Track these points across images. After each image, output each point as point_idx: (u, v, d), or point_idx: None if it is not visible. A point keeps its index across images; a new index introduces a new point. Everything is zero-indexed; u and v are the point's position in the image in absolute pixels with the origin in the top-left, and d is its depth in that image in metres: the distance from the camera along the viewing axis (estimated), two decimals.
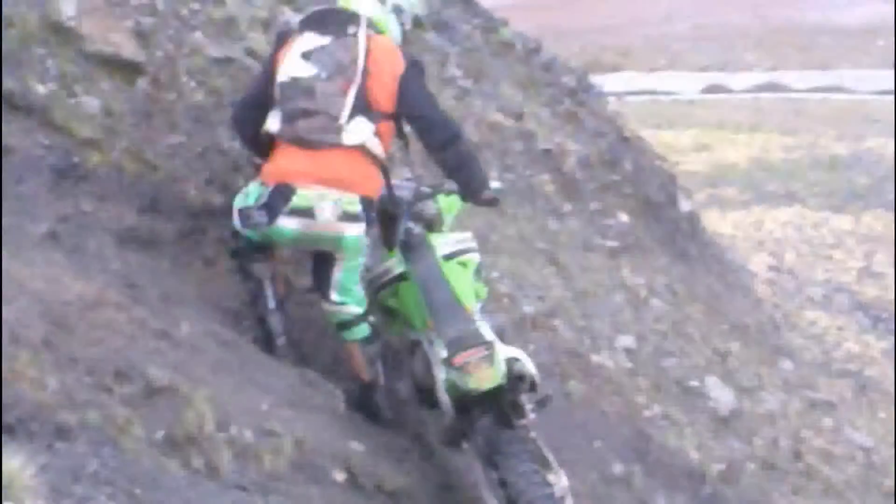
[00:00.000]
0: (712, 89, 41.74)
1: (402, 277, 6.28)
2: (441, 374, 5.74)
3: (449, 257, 6.20)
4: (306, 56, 5.88)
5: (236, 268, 6.41)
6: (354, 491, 5.34)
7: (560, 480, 5.69)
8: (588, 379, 8.56)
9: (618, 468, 7.57)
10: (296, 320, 6.72)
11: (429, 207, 6.46)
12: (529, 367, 5.76)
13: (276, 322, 6.39)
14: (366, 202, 5.89)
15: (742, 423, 10.40)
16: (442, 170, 6.22)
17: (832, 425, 12.67)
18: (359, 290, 6.16)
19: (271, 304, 6.36)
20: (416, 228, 6.36)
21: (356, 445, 5.58)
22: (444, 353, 5.59)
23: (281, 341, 6.41)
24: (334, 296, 6.08)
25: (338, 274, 6.03)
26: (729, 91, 42.49)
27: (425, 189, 6.53)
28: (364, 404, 6.43)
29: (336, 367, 6.74)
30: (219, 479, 4.56)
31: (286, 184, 5.78)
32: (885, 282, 22.97)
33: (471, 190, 6.21)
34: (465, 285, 6.09)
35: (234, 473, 4.65)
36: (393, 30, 6.32)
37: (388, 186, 6.27)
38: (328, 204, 5.77)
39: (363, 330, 6.25)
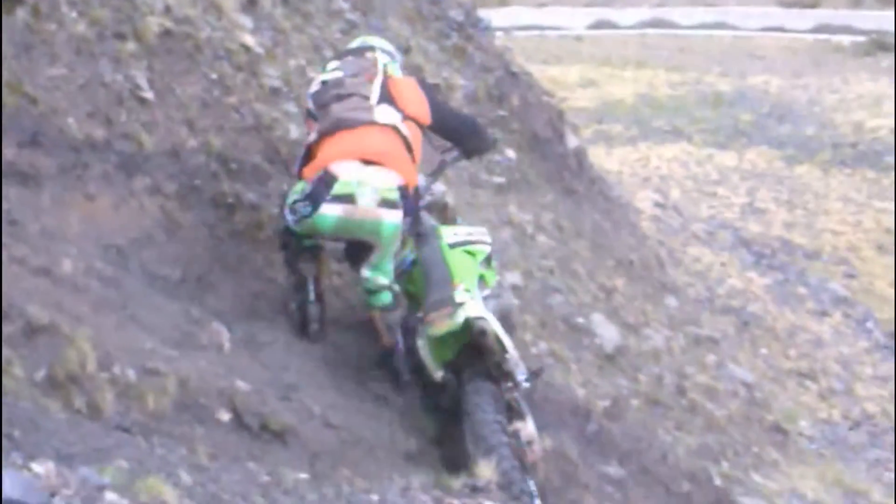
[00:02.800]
0: (599, 25, 41.98)
1: (415, 263, 6.94)
2: (421, 339, 6.36)
3: (455, 245, 6.89)
4: (332, 67, 6.89)
5: (283, 262, 6.96)
6: (240, 430, 5.32)
7: (526, 426, 6.39)
8: None
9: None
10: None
11: (438, 192, 7.40)
12: (493, 326, 6.31)
13: (313, 312, 6.91)
14: (403, 190, 6.40)
15: (627, 359, 10.55)
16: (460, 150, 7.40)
17: (715, 361, 12.93)
18: (389, 267, 6.64)
19: (311, 297, 6.90)
20: (430, 220, 7.14)
21: (241, 384, 5.55)
22: (421, 314, 6.37)
23: (314, 328, 6.91)
24: (366, 272, 6.57)
25: (374, 257, 6.52)
26: (616, 27, 42.81)
27: (430, 178, 7.44)
28: (384, 366, 6.89)
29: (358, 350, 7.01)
30: (101, 419, 4.52)
31: (328, 172, 6.31)
32: (768, 218, 23.41)
33: (479, 153, 7.70)
34: (464, 268, 6.77)
35: (117, 414, 4.61)
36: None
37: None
38: (368, 190, 6.26)
39: (385, 297, 6.72)
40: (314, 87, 6.87)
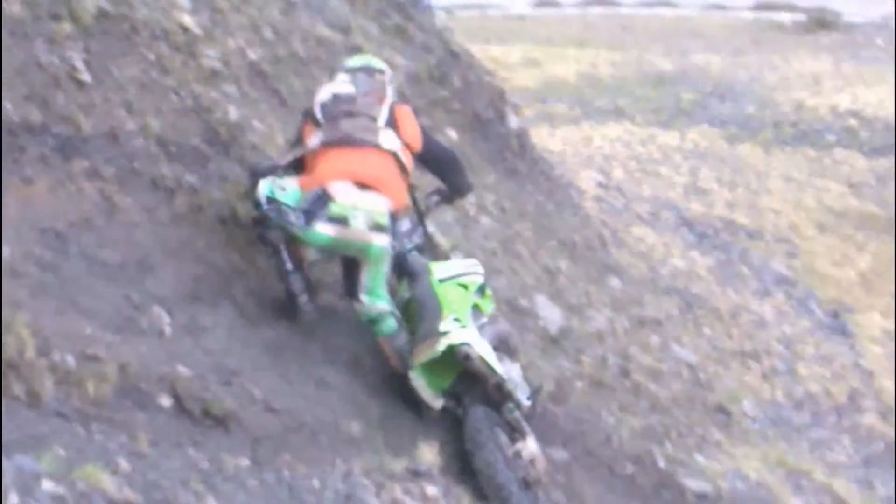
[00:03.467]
0: (542, 4, 42.04)
1: (409, 302, 7.36)
2: (412, 371, 6.87)
3: (446, 280, 7.27)
4: (343, 80, 7.26)
5: (255, 235, 7.17)
6: (181, 416, 5.31)
7: (527, 446, 6.84)
8: None
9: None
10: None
11: (419, 235, 7.73)
12: (478, 350, 6.76)
13: (295, 282, 7.07)
14: (393, 214, 6.91)
15: (570, 341, 10.60)
16: (444, 184, 7.78)
17: (659, 342, 13.02)
18: (384, 292, 7.07)
19: (288, 265, 7.06)
20: (421, 259, 7.56)
21: (183, 370, 5.54)
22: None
23: (303, 300, 7.08)
24: (363, 297, 7.01)
25: (365, 278, 6.97)
26: (558, 6, 42.86)
27: (417, 222, 7.84)
28: (402, 393, 7.07)
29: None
30: (40, 406, 4.49)
31: (326, 192, 6.75)
32: (710, 198, 23.58)
33: (460, 194, 7.99)
34: (455, 300, 7.13)
35: (56, 400, 4.58)
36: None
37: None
38: (361, 214, 6.71)
39: (390, 323, 7.12)
40: (324, 96, 7.19)
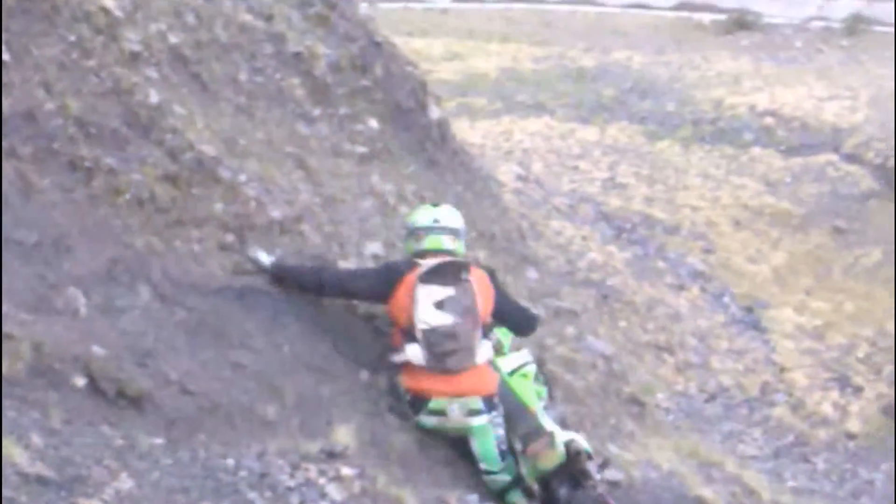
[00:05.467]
0: None
1: None
2: (522, 463, 7.71)
3: (512, 372, 8.06)
4: (439, 306, 7.45)
5: None
6: (95, 396, 5.30)
7: None
8: None
9: (365, 374, 7.69)
10: None
11: (492, 337, 7.99)
12: (582, 443, 7.82)
13: None
14: (487, 400, 7.56)
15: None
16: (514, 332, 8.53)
17: (574, 333, 13.12)
18: (499, 458, 7.70)
19: None
20: None
21: (98, 350, 5.52)
22: (519, 447, 7.65)
23: None
24: (482, 466, 7.71)
25: (475, 447, 7.67)
26: (481, 0, 42.88)
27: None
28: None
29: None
30: None
31: (423, 397, 7.51)
32: (629, 193, 23.80)
33: (528, 334, 8.90)
34: (527, 391, 8.01)
35: None
36: (462, 253, 8.12)
37: None
38: (456, 406, 7.48)
39: (516, 494, 7.82)
40: (425, 314, 7.46)
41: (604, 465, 8.28)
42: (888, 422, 18.61)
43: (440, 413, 7.52)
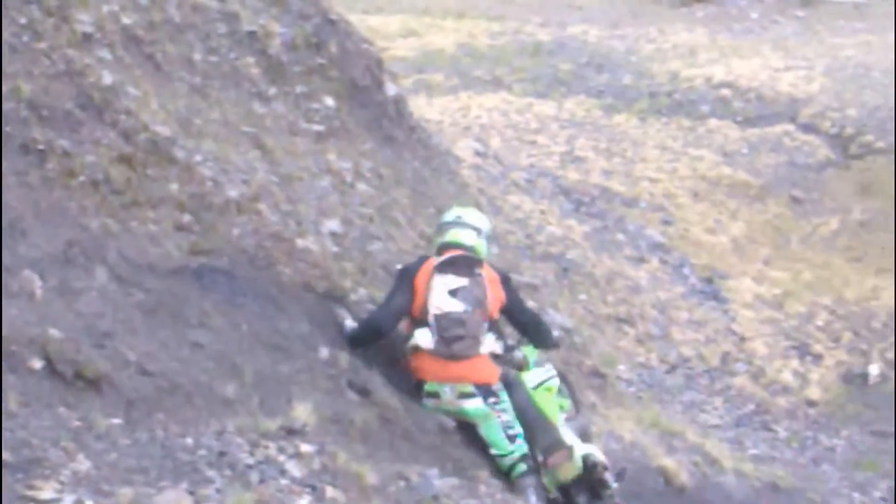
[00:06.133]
0: None
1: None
2: (542, 473, 8.14)
3: (536, 387, 8.49)
4: (453, 293, 8.04)
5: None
6: (52, 378, 5.28)
7: None
8: (294, 263, 8.61)
9: (324, 352, 7.68)
10: None
11: (517, 356, 8.71)
12: (600, 456, 8.39)
13: None
14: (480, 387, 8.08)
15: None
16: (529, 340, 8.90)
17: (535, 307, 13.15)
18: (507, 442, 8.10)
19: None
20: (512, 372, 8.49)
21: (54, 332, 5.51)
22: (540, 458, 8.09)
23: None
24: (492, 451, 8.11)
25: (482, 432, 8.14)
26: None
27: (511, 343, 8.81)
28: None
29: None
30: None
31: (421, 379, 8.15)
32: (587, 166, 23.85)
33: (545, 346, 9.17)
34: (549, 405, 8.48)
35: None
36: (484, 251, 8.63)
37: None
38: (448, 388, 8.08)
39: (520, 468, 8.13)
40: (439, 300, 8.05)
41: (621, 475, 8.65)
42: (848, 389, 18.78)
43: (434, 395, 8.09)
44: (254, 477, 5.11)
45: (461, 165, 18.27)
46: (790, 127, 27.76)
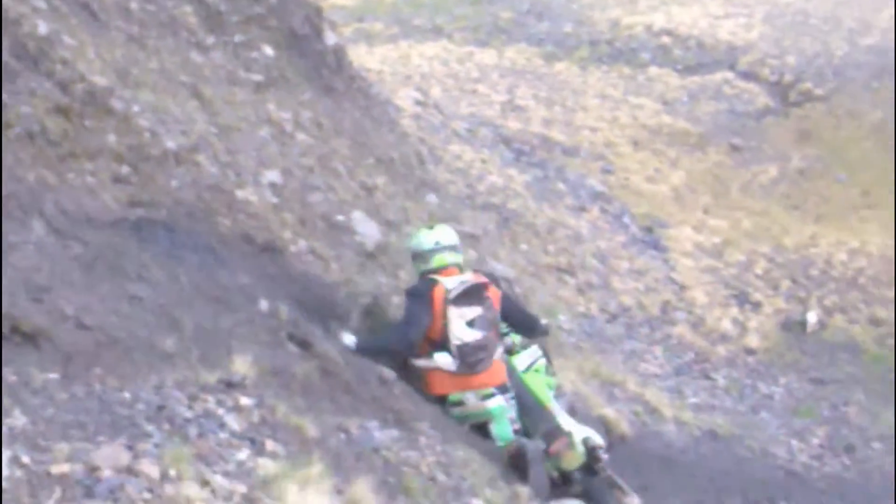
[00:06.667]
0: None
1: None
2: (547, 464, 8.34)
3: (526, 370, 9.08)
4: (471, 324, 8.61)
5: None
6: None
7: (634, 501, 8.67)
8: (233, 215, 8.58)
9: (264, 304, 7.66)
10: None
11: (507, 342, 9.16)
12: (597, 438, 8.65)
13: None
14: (498, 387, 8.66)
15: (388, 256, 10.68)
16: (522, 335, 9.42)
17: (476, 257, 13.21)
18: (512, 435, 8.62)
19: None
20: (504, 358, 8.95)
21: None
22: (542, 446, 8.27)
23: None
24: (499, 443, 8.54)
25: (494, 429, 8.65)
26: None
27: (503, 331, 9.16)
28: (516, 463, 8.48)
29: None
30: None
31: (443, 394, 8.61)
32: (527, 115, 23.86)
33: (535, 336, 9.57)
34: (541, 387, 9.03)
35: None
36: (461, 260, 9.19)
37: None
38: (471, 395, 8.61)
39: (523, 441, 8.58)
40: (460, 332, 8.60)
41: (609, 448, 9.10)
42: (786, 337, 19.01)
43: (459, 403, 8.63)
44: (192, 431, 5.10)
45: (401, 115, 18.23)
46: (730, 75, 27.95)
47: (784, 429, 15.69)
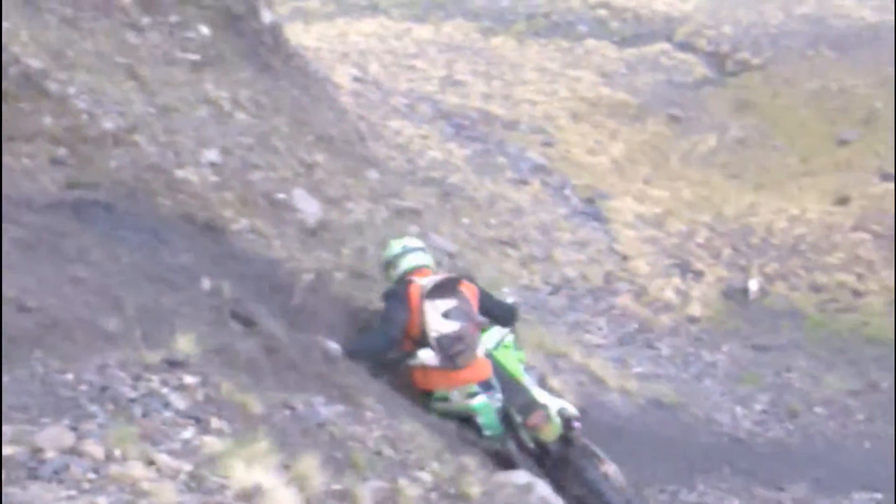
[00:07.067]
0: None
1: None
2: (521, 431, 8.87)
3: (496, 346, 9.16)
4: (446, 315, 8.83)
5: None
6: None
7: (610, 468, 8.94)
8: (173, 194, 8.56)
9: (206, 283, 7.65)
10: None
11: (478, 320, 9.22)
12: (571, 409, 9.00)
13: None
14: (482, 384, 8.81)
15: (330, 233, 10.68)
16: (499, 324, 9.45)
17: (418, 232, 13.21)
18: (500, 425, 8.90)
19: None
20: None
21: None
22: (519, 419, 8.78)
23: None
24: (486, 433, 8.83)
25: (480, 421, 8.81)
26: None
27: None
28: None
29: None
30: None
31: (428, 390, 8.85)
32: (466, 90, 23.88)
33: (513, 323, 9.62)
34: (511, 362, 9.14)
35: None
36: (431, 261, 9.59)
37: None
38: (456, 392, 8.77)
39: (508, 443, 9.04)
40: (436, 324, 8.80)
41: (582, 414, 9.38)
42: (728, 305, 19.19)
43: (444, 399, 8.81)
44: (137, 410, 5.08)
45: (340, 92, 18.21)
46: (667, 46, 28.11)
47: (728, 396, 15.86)
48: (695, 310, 18.68)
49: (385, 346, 8.81)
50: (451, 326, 8.82)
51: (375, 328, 9.11)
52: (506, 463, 8.73)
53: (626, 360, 16.11)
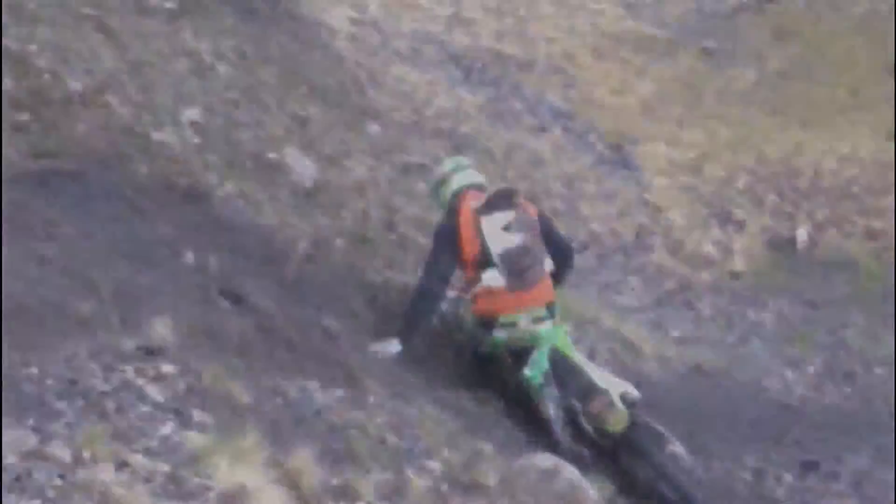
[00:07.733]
0: None
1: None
2: (583, 419, 8.89)
3: None
4: (507, 229, 8.91)
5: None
6: None
7: (678, 448, 8.94)
8: (150, 159, 8.55)
9: (190, 257, 7.63)
10: None
11: None
12: (633, 392, 9.00)
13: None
14: (549, 307, 9.05)
15: (328, 195, 10.67)
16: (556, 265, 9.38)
17: (425, 190, 13.15)
18: (544, 361, 8.90)
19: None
20: None
21: None
22: (579, 406, 8.81)
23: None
24: (527, 371, 8.92)
25: (536, 356, 8.89)
26: None
27: None
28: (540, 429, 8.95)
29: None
30: None
31: (494, 315, 8.98)
32: (476, 29, 23.70)
33: (566, 267, 9.70)
34: (563, 338, 9.17)
35: None
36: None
37: None
38: (523, 316, 8.94)
39: (538, 385, 8.97)
40: (498, 238, 8.90)
41: (637, 386, 9.43)
42: (775, 257, 19.10)
43: (510, 325, 8.95)
44: (109, 405, 5.05)
45: (335, 36, 18.08)
46: None
47: (777, 359, 15.77)
48: (737, 264, 18.58)
49: (431, 300, 9.01)
50: (514, 240, 8.92)
51: (418, 280, 9.19)
52: (541, 429, 8.76)
53: (663, 323, 16.04)
